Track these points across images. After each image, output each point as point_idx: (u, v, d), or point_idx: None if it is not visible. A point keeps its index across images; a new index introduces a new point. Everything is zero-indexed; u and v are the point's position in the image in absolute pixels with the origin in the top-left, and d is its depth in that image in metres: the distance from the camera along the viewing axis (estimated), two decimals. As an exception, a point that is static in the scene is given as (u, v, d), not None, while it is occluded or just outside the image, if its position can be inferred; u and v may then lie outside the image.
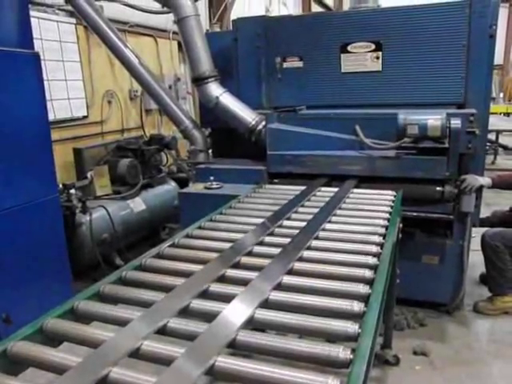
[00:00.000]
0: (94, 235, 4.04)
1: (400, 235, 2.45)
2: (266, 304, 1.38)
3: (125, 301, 1.47)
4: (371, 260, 1.62)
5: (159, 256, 1.80)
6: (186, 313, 1.36)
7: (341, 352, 1.06)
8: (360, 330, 1.16)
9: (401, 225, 2.41)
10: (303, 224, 2.05)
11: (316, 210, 2.25)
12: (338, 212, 2.27)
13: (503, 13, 17.56)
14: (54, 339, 1.27)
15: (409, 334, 3.22)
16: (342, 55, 3.33)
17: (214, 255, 1.74)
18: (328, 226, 2.06)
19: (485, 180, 3.11)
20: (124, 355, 1.12)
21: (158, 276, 1.60)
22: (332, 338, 1.20)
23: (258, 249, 1.83)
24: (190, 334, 1.21)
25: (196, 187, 3.30)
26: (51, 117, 4.59)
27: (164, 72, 6.71)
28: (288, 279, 1.52)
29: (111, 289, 1.50)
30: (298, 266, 1.64)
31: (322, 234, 1.96)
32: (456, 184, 3.03)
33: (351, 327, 1.17)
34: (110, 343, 1.15)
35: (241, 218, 2.25)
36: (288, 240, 1.86)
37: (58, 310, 1.34)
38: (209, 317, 1.28)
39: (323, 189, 2.79)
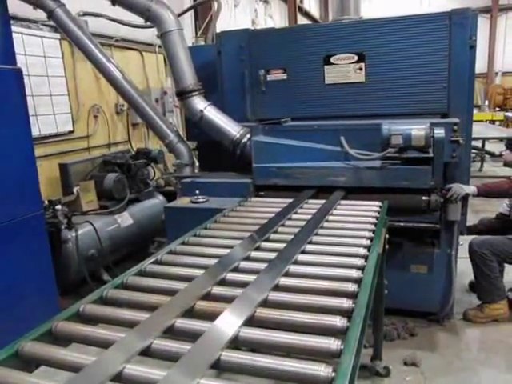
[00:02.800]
0: (81, 251, 3.99)
1: (387, 246, 2.44)
2: (252, 321, 1.36)
3: (106, 321, 1.44)
4: (355, 273, 1.61)
5: (141, 273, 1.77)
6: (170, 332, 1.33)
7: (322, 370, 1.05)
8: (342, 347, 1.14)
9: (387, 235, 2.41)
10: (290, 237, 2.03)
11: (303, 223, 2.24)
12: (325, 224, 2.26)
13: (485, 23, 17.94)
14: (30, 363, 1.23)
15: (399, 344, 3.20)
16: (326, 67, 3.34)
17: (199, 272, 1.71)
18: (315, 238, 2.05)
19: (470, 188, 3.14)
20: (105, 380, 1.07)
21: (141, 294, 1.56)
22: (315, 355, 1.18)
23: (244, 264, 1.80)
24: (174, 355, 1.18)
25: (182, 201, 3.27)
26: (36, 132, 4.58)
27: (151, 85, 6.70)
28: (274, 295, 1.50)
29: (91, 309, 1.47)
30: (283, 281, 1.62)
31: (308, 247, 1.95)
32: (442, 193, 3.05)
33: (333, 344, 1.15)
34: (91, 367, 1.11)
35: (226, 233, 2.23)
36: (275, 254, 1.83)
37: (35, 333, 1.30)
38: (194, 336, 1.26)
39: (310, 201, 2.78)
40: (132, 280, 1.69)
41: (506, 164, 3.86)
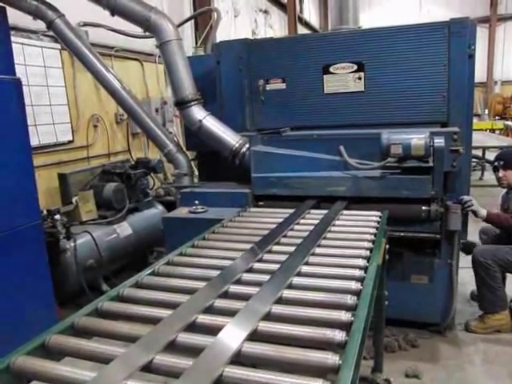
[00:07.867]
0: (79, 261, 3.97)
1: (387, 256, 2.42)
2: (254, 336, 1.33)
3: (102, 334, 1.40)
4: (354, 285, 1.58)
5: (138, 285, 1.74)
6: (171, 347, 1.29)
7: (320, 386, 1.02)
8: (341, 362, 1.11)
9: (387, 246, 2.39)
10: (293, 249, 2.00)
11: (305, 234, 2.20)
12: (328, 235, 2.23)
13: (484, 33, 18.03)
14: (22, 379, 1.20)
15: (400, 355, 3.16)
16: (325, 76, 3.34)
17: (197, 283, 1.68)
18: (317, 250, 2.02)
19: (482, 211, 3.25)
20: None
21: (138, 307, 1.53)
22: (314, 370, 1.15)
23: (246, 276, 1.77)
24: (176, 371, 1.15)
25: (180, 211, 3.25)
26: (36, 142, 4.57)
27: (151, 95, 6.71)
28: (277, 308, 1.47)
29: (86, 322, 1.43)
30: (286, 293, 1.58)
31: (311, 259, 1.92)
32: (443, 204, 3.03)
33: (331, 358, 1.12)
34: (92, 384, 1.07)
35: (224, 244, 2.20)
36: (278, 266, 1.80)
37: (27, 346, 1.26)
38: (196, 351, 1.22)
39: (312, 211, 2.75)
40: (128, 292, 1.66)
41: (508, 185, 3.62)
